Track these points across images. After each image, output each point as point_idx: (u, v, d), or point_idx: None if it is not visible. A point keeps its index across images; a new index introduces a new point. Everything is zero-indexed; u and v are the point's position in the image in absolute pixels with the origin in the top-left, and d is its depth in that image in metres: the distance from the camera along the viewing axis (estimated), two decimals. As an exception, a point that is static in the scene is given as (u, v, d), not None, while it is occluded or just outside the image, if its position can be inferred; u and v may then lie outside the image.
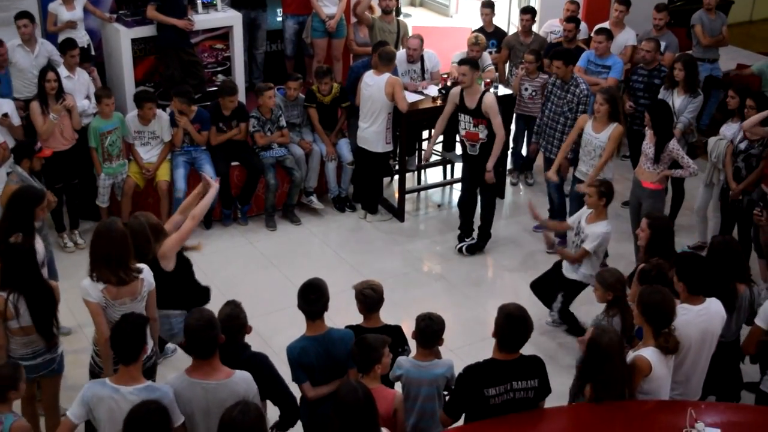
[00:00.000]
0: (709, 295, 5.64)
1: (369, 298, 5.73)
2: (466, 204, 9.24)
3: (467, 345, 7.19)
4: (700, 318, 5.46)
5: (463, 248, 9.24)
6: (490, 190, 9.03)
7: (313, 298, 5.40)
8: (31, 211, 6.22)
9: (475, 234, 9.31)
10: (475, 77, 8.65)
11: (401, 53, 10.31)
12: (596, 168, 8.36)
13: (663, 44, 10.28)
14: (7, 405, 5.08)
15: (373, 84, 9.37)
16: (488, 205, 9.13)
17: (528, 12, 10.74)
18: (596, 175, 8.31)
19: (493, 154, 8.71)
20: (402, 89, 9.39)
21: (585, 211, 7.51)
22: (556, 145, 9.05)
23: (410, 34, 11.04)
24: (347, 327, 5.75)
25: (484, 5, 11.14)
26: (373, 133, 9.51)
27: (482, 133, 8.66)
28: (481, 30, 11.14)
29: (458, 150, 10.75)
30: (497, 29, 11.19)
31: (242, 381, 4.82)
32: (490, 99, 8.60)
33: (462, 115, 8.74)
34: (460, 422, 5.15)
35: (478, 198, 9.19)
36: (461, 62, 8.78)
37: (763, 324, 5.78)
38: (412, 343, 5.69)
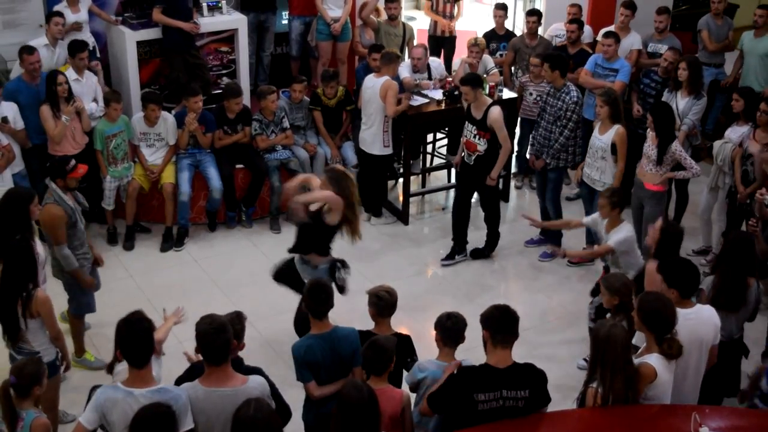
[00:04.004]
0: (725, 289, 5.95)
1: (383, 300, 5.74)
2: (459, 211, 9.16)
3: (471, 349, 7.16)
4: (688, 321, 5.41)
5: (452, 260, 9.23)
6: (489, 197, 9.01)
7: (323, 297, 5.44)
8: (26, 209, 6.26)
9: (468, 248, 9.29)
10: (479, 93, 8.56)
11: (406, 64, 10.30)
12: (617, 178, 8.38)
13: (665, 47, 10.28)
14: (29, 401, 5.09)
15: (371, 87, 9.38)
16: (491, 207, 9.10)
17: (534, 14, 10.76)
18: (619, 183, 8.35)
19: (497, 164, 8.68)
20: (395, 94, 9.31)
21: (600, 219, 7.54)
22: (552, 155, 8.96)
23: (415, 37, 11.06)
24: None
25: (497, 7, 11.15)
26: (370, 134, 9.52)
27: (481, 146, 8.62)
28: (492, 32, 11.16)
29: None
30: (508, 32, 11.19)
31: (259, 386, 4.81)
32: (495, 113, 8.51)
33: (467, 123, 8.72)
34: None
35: (471, 206, 9.18)
36: (462, 82, 8.70)
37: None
38: (422, 349, 5.66)
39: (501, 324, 4.94)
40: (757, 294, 6.29)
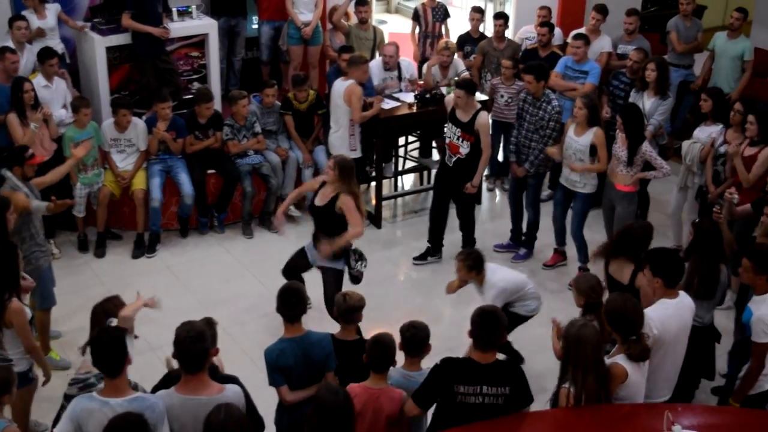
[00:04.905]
0: (700, 278, 6.15)
1: (337, 305, 5.78)
2: (436, 214, 9.19)
3: (446, 351, 7.16)
4: (679, 311, 5.55)
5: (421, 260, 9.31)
6: (466, 200, 9.02)
7: (294, 302, 5.44)
8: (1, 217, 6.23)
9: (443, 252, 9.30)
10: (470, 99, 8.54)
11: (377, 61, 10.33)
12: (590, 168, 8.32)
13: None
14: None
15: (337, 90, 9.38)
16: (466, 215, 9.09)
17: (500, 17, 10.77)
18: (589, 171, 8.35)
19: (478, 171, 8.69)
20: (358, 98, 9.25)
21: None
22: (535, 164, 8.94)
23: (386, 40, 11.07)
24: None
25: (474, 10, 11.19)
26: (337, 138, 9.50)
27: (463, 149, 8.61)
28: (467, 35, 11.18)
29: (435, 156, 10.80)
30: (483, 36, 11.21)
31: (234, 395, 4.77)
32: (484, 118, 8.57)
33: (450, 125, 8.71)
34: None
35: (449, 209, 9.20)
36: (457, 85, 8.69)
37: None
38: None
39: (481, 328, 5.00)
40: (725, 278, 6.46)
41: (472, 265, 6.93)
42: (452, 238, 9.29)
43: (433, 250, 9.28)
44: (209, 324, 5.25)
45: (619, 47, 10.72)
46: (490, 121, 10.43)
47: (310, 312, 5.67)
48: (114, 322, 5.48)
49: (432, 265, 9.23)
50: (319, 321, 7.00)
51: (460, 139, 8.62)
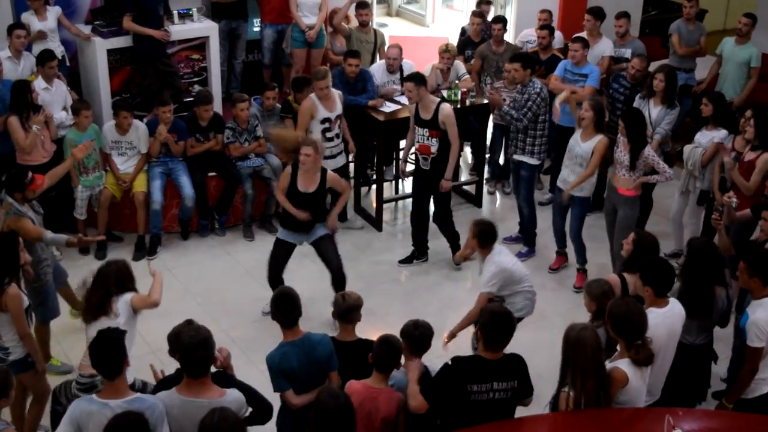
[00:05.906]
0: (690, 297, 5.86)
1: (336, 304, 5.79)
2: (418, 219, 9.21)
3: (445, 354, 7.18)
4: (667, 320, 5.53)
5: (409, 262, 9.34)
6: (443, 200, 9.02)
7: (288, 307, 5.44)
8: None
9: (428, 254, 9.35)
10: (423, 92, 8.53)
11: (380, 64, 10.32)
12: (579, 178, 8.36)
13: (629, 51, 10.33)
14: None
15: None
16: (444, 214, 9.09)
17: (499, 21, 10.74)
18: (577, 185, 8.37)
19: (449, 164, 8.69)
20: (301, 114, 9.10)
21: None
22: (520, 147, 9.06)
23: (387, 43, 11.06)
24: None
25: (474, 14, 11.15)
26: None
27: (434, 147, 8.61)
28: (468, 39, 11.16)
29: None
30: (484, 39, 11.20)
31: (235, 401, 4.79)
32: (447, 110, 8.54)
33: (418, 127, 8.71)
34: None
35: (429, 212, 9.24)
36: (406, 78, 8.72)
37: None
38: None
39: (493, 331, 5.07)
40: (725, 301, 6.24)
41: (477, 233, 6.93)
42: (435, 244, 9.37)
43: (419, 253, 9.31)
44: (189, 324, 5.25)
45: (614, 51, 10.68)
46: (492, 124, 10.46)
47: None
48: None
49: (434, 268, 9.22)
50: (317, 326, 7.00)
51: (430, 138, 8.62)
